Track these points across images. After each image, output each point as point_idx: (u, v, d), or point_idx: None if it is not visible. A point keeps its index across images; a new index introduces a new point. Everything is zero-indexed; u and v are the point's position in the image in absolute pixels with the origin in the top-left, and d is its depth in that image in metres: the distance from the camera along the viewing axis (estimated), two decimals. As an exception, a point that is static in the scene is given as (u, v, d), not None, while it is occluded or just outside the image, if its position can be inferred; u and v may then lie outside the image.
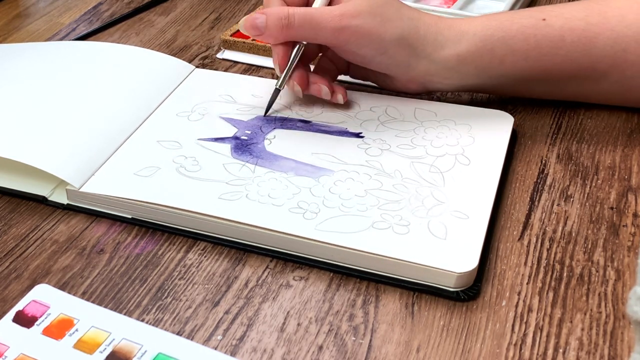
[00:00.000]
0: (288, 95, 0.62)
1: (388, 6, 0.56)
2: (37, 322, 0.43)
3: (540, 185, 0.54)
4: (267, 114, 0.59)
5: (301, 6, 0.57)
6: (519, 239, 0.49)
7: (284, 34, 0.56)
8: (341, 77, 0.66)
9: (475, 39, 0.56)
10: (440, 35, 0.56)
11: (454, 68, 0.56)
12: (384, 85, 0.61)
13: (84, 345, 0.42)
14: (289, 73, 0.58)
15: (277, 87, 0.59)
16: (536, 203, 0.52)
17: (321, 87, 0.58)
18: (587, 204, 0.52)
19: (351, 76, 0.62)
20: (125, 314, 0.44)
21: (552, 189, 0.53)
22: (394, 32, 0.55)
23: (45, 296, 0.45)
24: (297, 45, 0.57)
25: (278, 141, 0.56)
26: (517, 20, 0.56)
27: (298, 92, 0.59)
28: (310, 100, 0.61)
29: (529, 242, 0.49)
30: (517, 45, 0.56)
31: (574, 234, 0.49)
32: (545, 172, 0.55)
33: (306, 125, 0.58)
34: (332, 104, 0.60)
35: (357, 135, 0.57)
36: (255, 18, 0.56)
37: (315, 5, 0.57)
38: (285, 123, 0.59)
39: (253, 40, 0.70)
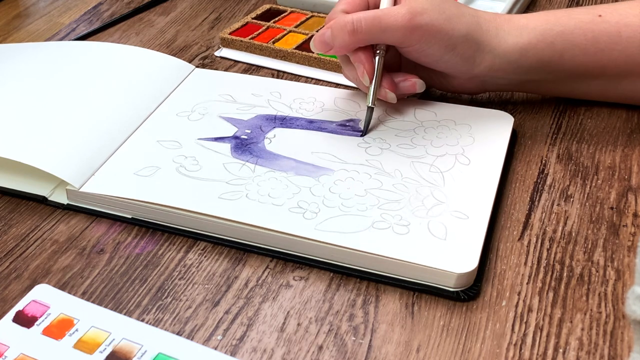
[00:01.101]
0: (288, 94, 0.62)
1: (447, 3, 0.56)
2: (37, 322, 0.43)
3: (540, 185, 0.54)
4: (366, 133, 0.57)
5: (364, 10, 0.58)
6: (519, 239, 0.49)
7: (352, 40, 0.55)
8: (336, 79, 0.66)
9: (535, 33, 0.56)
10: (501, 29, 0.56)
11: (516, 62, 0.57)
12: (439, 86, 0.61)
13: (84, 345, 0.42)
14: (378, 86, 0.57)
15: (370, 105, 0.57)
16: (536, 203, 0.52)
17: (416, 81, 0.58)
18: (587, 204, 0.52)
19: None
20: (125, 314, 0.44)
21: (552, 189, 0.53)
22: (461, 28, 0.55)
23: (45, 296, 0.45)
24: (378, 56, 0.57)
25: (278, 140, 0.56)
26: (574, 15, 0.57)
27: (392, 99, 0.58)
28: (310, 98, 0.61)
29: (529, 242, 0.49)
30: (575, 39, 0.56)
31: (574, 234, 0.49)
32: (545, 172, 0.55)
33: (306, 123, 0.58)
34: (332, 102, 0.60)
35: (358, 131, 0.57)
36: (322, 34, 0.56)
37: (383, 5, 0.57)
38: (285, 122, 0.59)
39: (251, 38, 0.70)
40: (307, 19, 0.75)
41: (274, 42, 0.70)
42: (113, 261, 0.49)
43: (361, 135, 0.57)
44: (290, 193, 0.51)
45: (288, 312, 0.45)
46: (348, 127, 0.58)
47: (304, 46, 0.69)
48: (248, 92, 0.63)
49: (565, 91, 0.61)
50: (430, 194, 0.51)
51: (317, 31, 0.72)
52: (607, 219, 0.51)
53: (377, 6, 0.58)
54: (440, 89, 0.62)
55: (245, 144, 0.56)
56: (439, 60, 0.57)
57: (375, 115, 0.59)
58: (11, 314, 0.44)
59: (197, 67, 0.68)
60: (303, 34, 0.72)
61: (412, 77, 0.58)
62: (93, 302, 0.45)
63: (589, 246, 0.48)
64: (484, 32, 0.56)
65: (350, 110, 0.60)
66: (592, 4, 0.80)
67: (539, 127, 0.60)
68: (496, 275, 0.47)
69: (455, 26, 0.55)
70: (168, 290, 0.46)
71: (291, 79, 0.67)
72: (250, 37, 0.71)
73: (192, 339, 0.43)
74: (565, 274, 0.47)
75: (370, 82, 0.57)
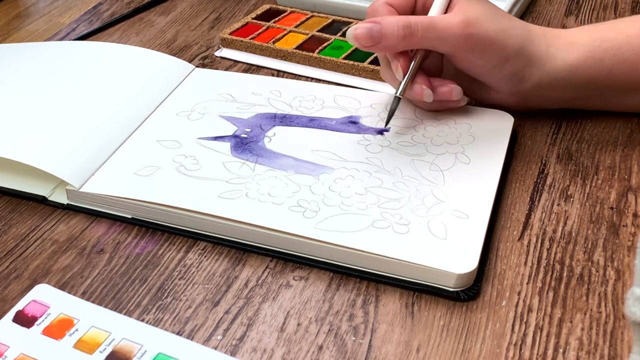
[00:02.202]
0: (288, 92, 0.62)
1: (500, 16, 0.55)
2: (37, 322, 0.43)
3: (540, 185, 0.54)
4: (387, 125, 0.57)
5: (410, 12, 0.56)
6: (519, 239, 0.49)
7: (404, 43, 0.53)
8: (336, 79, 0.66)
9: (584, 49, 0.55)
10: (552, 46, 0.56)
11: (565, 79, 0.56)
12: (479, 98, 0.59)
13: (84, 345, 0.42)
14: (410, 78, 0.55)
15: (398, 95, 0.55)
16: (536, 203, 0.52)
17: (453, 87, 0.56)
18: (587, 204, 0.52)
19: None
20: (125, 314, 0.44)
21: (552, 189, 0.53)
22: (515, 41, 0.54)
23: (45, 296, 0.45)
24: (419, 53, 0.55)
25: (278, 139, 0.56)
26: (621, 30, 0.56)
27: (429, 96, 0.55)
28: (310, 96, 0.61)
29: (529, 242, 0.49)
30: (624, 55, 0.56)
31: (574, 234, 0.49)
32: (545, 172, 0.55)
33: (306, 121, 0.58)
34: (332, 100, 0.60)
35: (356, 127, 0.57)
36: (370, 28, 0.53)
37: (433, 12, 0.55)
38: (285, 120, 0.59)
39: (251, 39, 0.70)
40: (307, 19, 0.75)
41: (274, 42, 0.70)
42: (113, 261, 0.49)
43: (385, 126, 0.57)
44: (290, 192, 0.51)
45: (288, 312, 0.45)
46: (348, 125, 0.58)
47: (305, 46, 0.69)
48: (248, 91, 0.63)
49: (608, 106, 0.60)
50: (430, 193, 0.50)
51: (317, 31, 0.72)
52: (607, 219, 0.51)
53: (425, 6, 0.56)
54: (479, 101, 0.60)
55: (245, 143, 0.56)
56: (489, 72, 0.56)
57: (375, 112, 0.59)
58: (11, 314, 0.44)
59: (197, 67, 0.68)
60: (303, 33, 0.72)
61: (450, 82, 0.57)
62: (93, 302, 0.45)
63: (589, 246, 0.48)
64: (535, 47, 0.55)
65: (351, 108, 0.60)
66: (589, 6, 0.79)
67: (539, 127, 0.60)
68: (496, 275, 0.47)
69: (509, 39, 0.54)
70: (168, 290, 0.46)
71: (291, 79, 0.67)
72: (250, 37, 0.71)
73: (192, 339, 0.43)
74: (565, 274, 0.47)
75: (404, 76, 0.55)
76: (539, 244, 0.49)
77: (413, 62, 0.55)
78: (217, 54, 0.71)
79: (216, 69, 0.69)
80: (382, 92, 0.63)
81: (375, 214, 0.49)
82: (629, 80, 0.57)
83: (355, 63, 0.66)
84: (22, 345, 0.42)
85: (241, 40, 0.70)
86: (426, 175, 0.52)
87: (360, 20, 0.73)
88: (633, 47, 0.56)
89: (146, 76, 0.64)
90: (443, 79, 0.58)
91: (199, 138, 0.57)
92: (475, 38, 0.53)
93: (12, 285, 0.47)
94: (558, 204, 0.52)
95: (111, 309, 0.45)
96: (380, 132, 0.57)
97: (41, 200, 0.54)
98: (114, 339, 0.42)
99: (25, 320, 0.43)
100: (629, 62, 0.56)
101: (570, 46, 0.56)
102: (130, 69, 0.65)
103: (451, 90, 0.56)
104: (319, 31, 0.72)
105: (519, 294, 0.45)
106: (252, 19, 0.75)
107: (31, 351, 0.41)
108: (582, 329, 0.43)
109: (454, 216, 0.48)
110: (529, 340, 0.42)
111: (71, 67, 0.66)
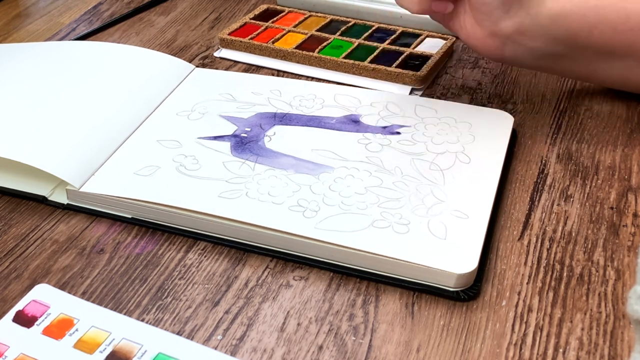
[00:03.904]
0: (288, 91, 0.62)
1: None
2: (37, 322, 0.43)
3: (540, 185, 0.54)
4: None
5: None
6: (519, 239, 0.49)
7: None
8: (337, 78, 0.66)
9: (571, 2, 0.56)
10: None
11: (545, 27, 0.56)
12: (460, 30, 0.59)
13: (84, 345, 0.42)
14: None
15: None
16: (536, 203, 0.52)
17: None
18: (587, 204, 0.52)
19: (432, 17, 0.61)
20: (125, 314, 0.44)
21: (552, 189, 0.53)
22: None
23: (45, 296, 0.45)
24: None
25: (278, 138, 0.56)
26: None
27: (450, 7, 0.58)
28: (310, 95, 0.61)
29: (529, 242, 0.49)
30: (608, 15, 0.56)
31: (574, 234, 0.49)
32: (545, 172, 0.55)
33: (306, 120, 0.58)
34: (332, 99, 0.60)
35: (357, 126, 0.57)
36: None
37: None
38: (285, 120, 0.59)
39: (250, 39, 0.70)
40: (305, 18, 0.75)
41: (273, 42, 0.70)
42: (113, 261, 0.49)
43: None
44: (290, 191, 0.51)
45: (288, 312, 0.45)
46: (349, 124, 0.58)
47: (304, 45, 0.69)
48: (248, 91, 0.63)
49: (585, 72, 0.60)
50: (430, 193, 0.50)
51: (316, 30, 0.72)
52: (607, 219, 0.51)
53: None
54: (459, 36, 0.60)
55: (245, 142, 0.56)
56: None
57: (376, 111, 0.59)
58: (11, 313, 0.44)
59: (197, 67, 0.68)
60: (302, 33, 0.72)
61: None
62: (93, 302, 0.45)
63: (589, 246, 0.48)
64: None
65: (351, 106, 0.60)
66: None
67: (539, 127, 0.60)
68: (496, 275, 0.47)
69: None
70: (168, 290, 0.46)
71: (292, 79, 0.67)
72: (249, 37, 0.71)
73: (192, 339, 0.43)
74: (565, 274, 0.47)
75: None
76: (539, 244, 0.49)
77: None
78: (216, 54, 0.71)
79: (216, 69, 0.69)
80: (383, 90, 0.63)
81: (375, 213, 0.49)
82: (608, 43, 0.57)
83: (356, 62, 0.66)
84: (22, 345, 0.42)
85: (240, 41, 0.70)
86: (426, 175, 0.52)
87: (359, 19, 0.74)
88: (618, 9, 0.56)
89: (146, 76, 0.64)
90: None
91: (199, 138, 0.57)
92: None
93: (12, 285, 0.47)
94: (558, 204, 0.52)
95: (111, 309, 0.45)
96: (389, 132, 0.57)
97: (41, 200, 0.54)
98: (114, 339, 0.42)
99: (25, 320, 0.43)
100: (610, 23, 0.56)
101: None
102: (130, 69, 0.65)
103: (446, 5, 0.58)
104: (317, 31, 0.72)
105: (519, 294, 0.45)
106: (250, 19, 0.75)
107: (31, 351, 0.41)
108: (582, 329, 0.43)
109: (454, 216, 0.49)
110: (529, 340, 0.42)
111: (71, 67, 0.66)
